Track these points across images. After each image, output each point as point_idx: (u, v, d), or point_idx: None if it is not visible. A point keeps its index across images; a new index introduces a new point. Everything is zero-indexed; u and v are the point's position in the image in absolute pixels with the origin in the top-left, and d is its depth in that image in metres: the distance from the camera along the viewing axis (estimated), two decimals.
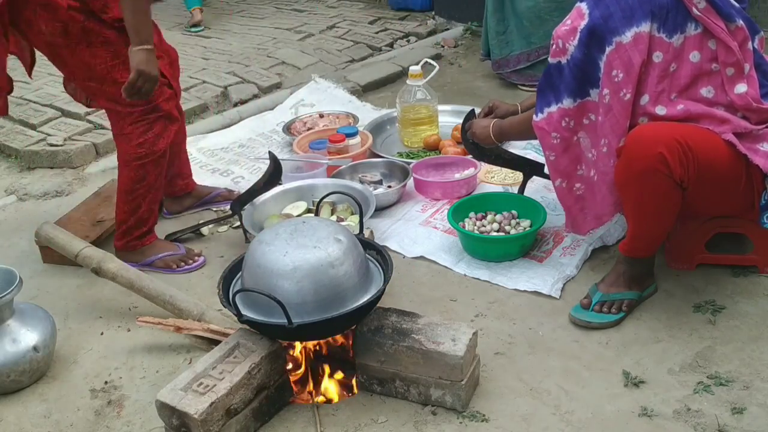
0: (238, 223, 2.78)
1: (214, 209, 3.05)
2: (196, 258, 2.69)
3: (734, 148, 2.06)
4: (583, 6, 2.14)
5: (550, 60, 2.23)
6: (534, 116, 2.32)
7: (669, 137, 2.01)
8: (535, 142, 3.33)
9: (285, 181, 2.91)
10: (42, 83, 4.41)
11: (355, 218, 2.55)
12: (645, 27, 2.06)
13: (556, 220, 2.72)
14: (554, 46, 2.20)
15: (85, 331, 2.39)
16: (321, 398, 2.02)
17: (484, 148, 2.75)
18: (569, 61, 2.17)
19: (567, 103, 2.23)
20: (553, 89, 2.25)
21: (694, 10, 2.05)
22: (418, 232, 2.75)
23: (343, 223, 2.54)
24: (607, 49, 2.10)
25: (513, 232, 2.57)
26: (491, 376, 2.05)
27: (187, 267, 2.65)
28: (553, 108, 2.26)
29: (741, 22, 2.08)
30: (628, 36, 2.07)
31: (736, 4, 2.11)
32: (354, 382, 2.04)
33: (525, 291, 2.40)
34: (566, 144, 2.29)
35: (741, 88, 2.08)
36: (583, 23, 2.12)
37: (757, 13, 4.79)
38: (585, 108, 2.23)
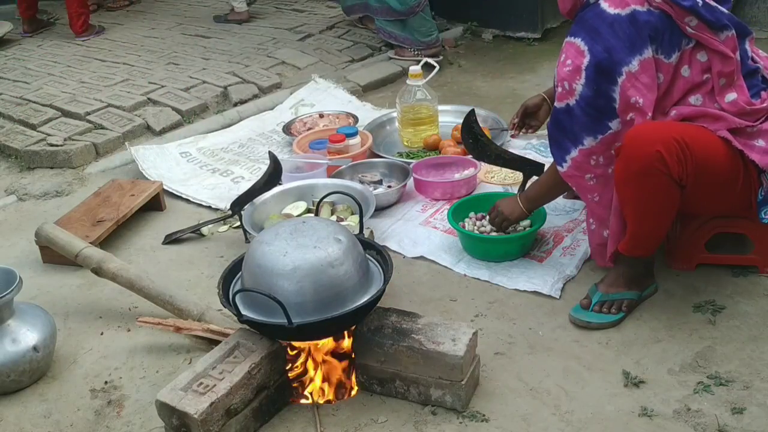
0: (238, 223, 2.78)
1: (214, 208, 3.06)
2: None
3: (730, 145, 2.06)
4: (579, 42, 2.11)
5: (557, 105, 2.19)
6: (559, 168, 2.27)
7: (666, 136, 2.01)
8: (536, 143, 3.35)
9: (285, 181, 2.91)
10: (42, 83, 4.42)
11: (355, 218, 2.55)
12: (648, 53, 2.06)
13: (556, 220, 2.73)
14: (560, 89, 2.16)
15: (85, 331, 2.39)
16: (321, 398, 2.02)
17: (484, 148, 2.75)
18: (579, 100, 2.13)
19: (588, 142, 2.19)
20: (566, 134, 2.21)
21: (688, 28, 2.06)
22: (418, 232, 2.75)
23: (343, 223, 2.54)
24: (619, 80, 2.07)
25: (513, 232, 2.57)
26: (491, 376, 2.05)
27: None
28: (574, 153, 2.22)
29: (732, 32, 2.07)
30: (635, 65, 2.06)
31: (724, 10, 2.10)
32: (353, 381, 2.04)
33: (525, 291, 2.40)
34: (604, 179, 2.24)
35: (731, 96, 2.09)
36: (586, 61, 2.09)
37: (756, 13, 4.80)
38: (608, 142, 2.18)
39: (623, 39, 2.05)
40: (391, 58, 4.67)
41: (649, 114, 2.09)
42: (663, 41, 2.06)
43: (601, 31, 2.07)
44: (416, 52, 4.53)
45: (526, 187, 2.80)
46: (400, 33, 4.57)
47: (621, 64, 2.06)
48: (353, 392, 2.03)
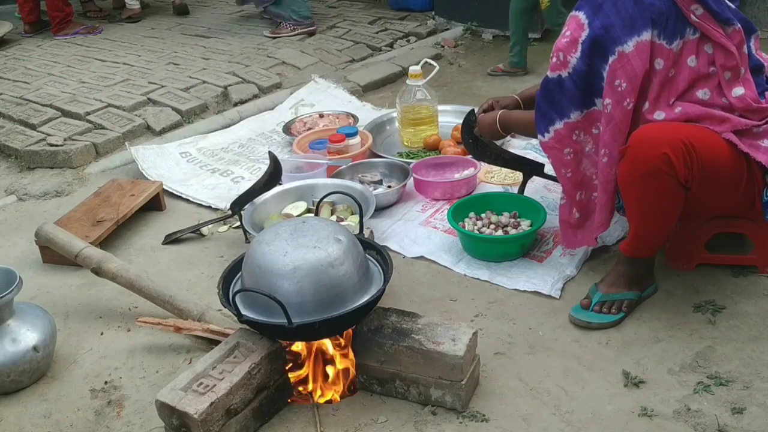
0: (238, 223, 2.78)
1: (214, 208, 3.06)
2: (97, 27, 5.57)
3: (735, 147, 2.06)
4: (581, 16, 2.13)
5: (549, 74, 2.23)
6: (540, 138, 2.31)
7: (674, 138, 2.01)
8: (535, 142, 3.34)
9: (285, 181, 2.91)
10: (42, 83, 4.42)
11: (355, 218, 2.55)
12: (646, 35, 2.07)
13: (557, 220, 2.72)
14: (554, 59, 2.19)
15: (85, 331, 2.39)
16: (321, 398, 2.02)
17: (484, 148, 2.75)
18: (572, 73, 2.17)
19: (575, 116, 2.23)
20: (554, 106, 2.24)
21: (692, 17, 2.06)
22: (418, 232, 2.75)
23: (343, 223, 2.54)
24: (610, 59, 2.10)
25: (513, 232, 2.57)
26: (491, 376, 2.05)
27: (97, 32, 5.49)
28: (559, 125, 2.26)
29: (738, 26, 2.08)
30: (630, 45, 2.07)
31: (731, 5, 2.11)
32: (352, 381, 2.04)
33: (525, 291, 2.40)
34: (579, 156, 2.29)
35: (738, 90, 2.09)
36: (585, 34, 2.12)
37: (756, 13, 4.80)
38: (592, 117, 2.23)
39: (624, 17, 2.07)
40: (266, 36, 5.15)
41: (627, 100, 2.10)
42: (666, 26, 2.07)
43: (604, 7, 2.09)
44: (291, 28, 5.11)
45: (525, 188, 2.81)
46: (274, 9, 5.17)
47: (616, 43, 2.08)
48: (353, 392, 2.03)
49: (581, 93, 2.19)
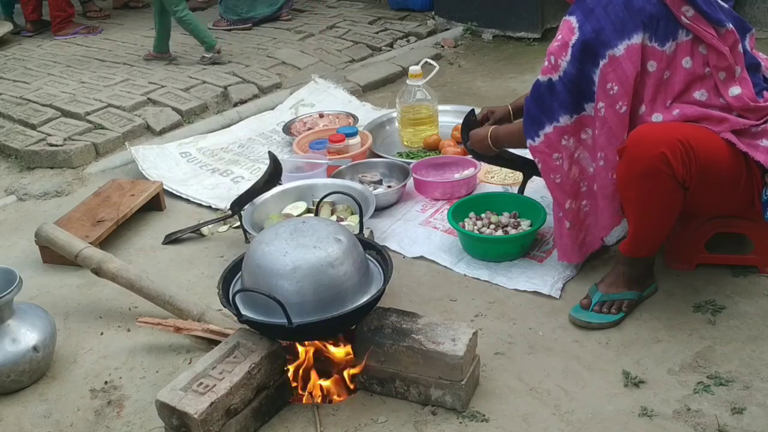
0: (238, 223, 2.78)
1: (214, 208, 3.06)
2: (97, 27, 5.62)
3: (734, 147, 2.06)
4: (573, 20, 2.14)
5: (540, 78, 2.23)
6: (530, 142, 2.30)
7: (671, 137, 2.01)
8: None
9: (285, 181, 2.91)
10: (42, 83, 4.42)
11: (355, 218, 2.55)
12: (637, 39, 2.07)
13: None
14: (546, 63, 2.20)
15: (85, 331, 2.39)
16: (320, 398, 2.02)
17: None
18: (562, 77, 2.17)
19: (564, 120, 2.23)
20: (544, 110, 2.24)
21: (683, 18, 2.06)
22: (418, 232, 2.75)
23: (343, 223, 2.54)
24: (601, 63, 2.10)
25: (513, 232, 2.57)
26: (491, 376, 2.05)
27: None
28: (549, 129, 2.25)
29: (730, 26, 2.08)
30: (620, 49, 2.08)
31: (725, 5, 2.11)
32: (352, 381, 2.04)
33: (525, 291, 2.40)
34: (570, 162, 2.29)
35: (735, 90, 2.09)
36: (575, 38, 2.12)
37: (756, 13, 4.80)
38: (582, 123, 2.23)
39: (614, 22, 2.07)
40: (209, 28, 5.34)
41: (620, 103, 2.11)
42: (658, 29, 2.07)
43: (595, 11, 2.10)
44: (228, 23, 5.48)
45: (525, 188, 2.81)
46: (219, 6, 5.58)
47: (606, 47, 2.09)
48: (353, 392, 2.03)
49: (572, 97, 2.19)
